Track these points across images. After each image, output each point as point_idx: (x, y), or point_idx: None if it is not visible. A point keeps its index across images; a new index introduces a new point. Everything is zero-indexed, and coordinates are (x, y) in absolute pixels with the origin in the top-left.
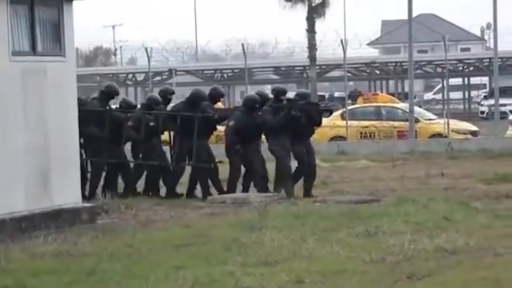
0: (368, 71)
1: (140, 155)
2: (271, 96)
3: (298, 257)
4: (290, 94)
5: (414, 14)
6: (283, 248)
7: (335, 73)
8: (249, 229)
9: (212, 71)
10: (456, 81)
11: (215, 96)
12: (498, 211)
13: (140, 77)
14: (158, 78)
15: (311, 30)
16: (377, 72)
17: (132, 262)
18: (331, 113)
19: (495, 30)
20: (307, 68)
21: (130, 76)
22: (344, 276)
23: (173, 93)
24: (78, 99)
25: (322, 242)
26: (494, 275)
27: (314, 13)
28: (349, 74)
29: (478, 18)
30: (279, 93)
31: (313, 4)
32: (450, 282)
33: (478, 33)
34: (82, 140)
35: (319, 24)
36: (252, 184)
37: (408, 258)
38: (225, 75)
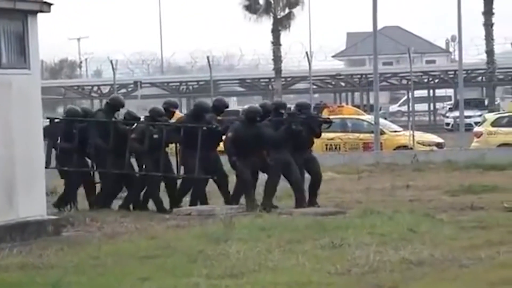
0: (333, 83)
1: (144, 167)
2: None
3: (263, 269)
4: (289, 104)
5: (379, 27)
6: (249, 260)
7: (301, 85)
8: (214, 241)
9: (178, 83)
10: (421, 93)
11: (220, 107)
12: (463, 223)
13: (106, 90)
14: (124, 90)
15: (276, 43)
16: (343, 84)
17: (98, 274)
18: (330, 125)
19: (459, 43)
20: (273, 80)
21: (95, 88)
22: None
23: (176, 106)
24: (85, 111)
25: (287, 254)
26: (459, 286)
27: (279, 25)
28: (315, 86)
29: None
30: (279, 106)
31: (278, 17)
32: None
33: (443, 45)
34: (90, 151)
35: (284, 36)
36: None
37: (374, 269)
38: (191, 87)
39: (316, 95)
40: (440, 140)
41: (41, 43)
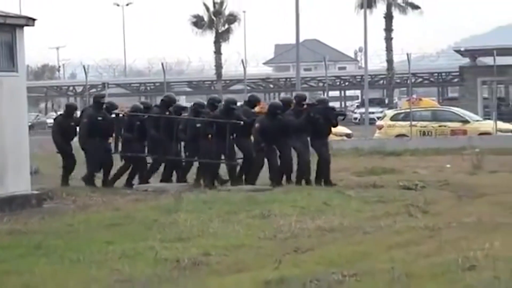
0: (264, 85)
1: (187, 153)
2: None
3: (206, 235)
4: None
5: (301, 39)
6: (194, 227)
7: (237, 87)
8: (166, 212)
9: (138, 84)
10: (334, 93)
11: (253, 101)
12: (367, 198)
13: (79, 89)
14: (94, 90)
15: (217, 52)
16: (271, 86)
17: (72, 238)
18: (345, 117)
19: (365, 53)
20: (215, 82)
21: (71, 88)
22: (243, 250)
23: (220, 101)
24: (138, 107)
25: (225, 222)
26: (363, 249)
27: (220, 38)
28: (249, 88)
29: (352, 42)
30: (300, 99)
31: (219, 31)
32: (328, 255)
33: (352, 55)
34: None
35: (224, 47)
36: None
37: (295, 235)
38: (148, 87)
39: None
40: (349, 131)
41: (27, 51)
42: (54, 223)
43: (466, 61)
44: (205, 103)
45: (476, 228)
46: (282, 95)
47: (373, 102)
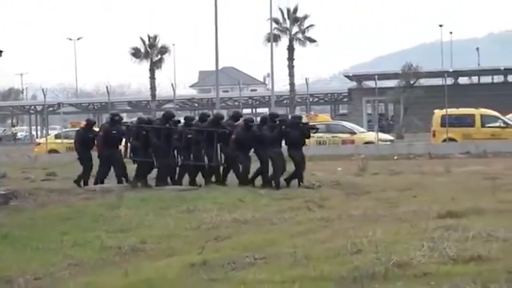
0: (190, 104)
1: (182, 158)
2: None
3: (143, 227)
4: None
5: (220, 67)
6: (133, 220)
7: (168, 105)
8: (110, 208)
9: (87, 104)
10: (247, 111)
11: (237, 116)
12: (274, 196)
13: (39, 108)
14: (51, 109)
15: (152, 77)
16: (196, 105)
17: (33, 230)
18: (317, 130)
19: (272, 78)
20: (150, 102)
21: (32, 107)
22: (173, 238)
23: (209, 116)
24: (149, 120)
25: (159, 216)
26: (270, 237)
27: (154, 66)
28: (177, 106)
29: (261, 69)
30: (273, 116)
31: (153, 60)
32: (242, 242)
33: (262, 79)
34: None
35: (157, 73)
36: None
37: (215, 226)
38: (95, 106)
39: (179, 112)
40: None
41: None
42: (18, 218)
43: (353, 84)
44: (196, 117)
45: (362, 219)
46: (270, 110)
47: None
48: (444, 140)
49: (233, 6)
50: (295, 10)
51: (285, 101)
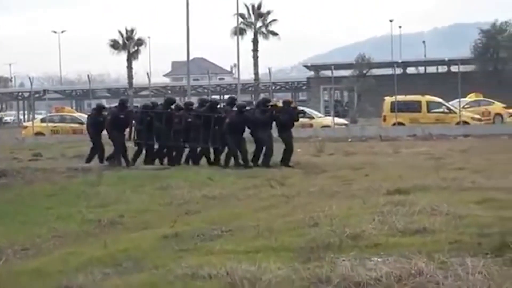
0: (164, 91)
1: (182, 140)
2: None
3: (121, 202)
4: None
5: (191, 57)
6: (111, 197)
7: (144, 93)
8: (91, 185)
9: (70, 91)
10: (216, 97)
11: (232, 102)
12: (240, 174)
13: (26, 94)
14: (37, 95)
15: (129, 67)
16: (169, 92)
17: (21, 205)
18: (304, 114)
19: (238, 67)
20: (127, 89)
21: (20, 94)
22: (148, 213)
23: (207, 101)
24: (148, 105)
25: (135, 193)
26: (236, 211)
27: (131, 56)
28: (152, 93)
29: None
30: (265, 101)
31: (131, 52)
32: (211, 216)
33: (229, 69)
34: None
35: (134, 63)
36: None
37: (186, 202)
38: (78, 93)
39: (153, 99)
40: None
41: None
42: (6, 194)
43: (312, 73)
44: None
45: (319, 196)
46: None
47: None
48: (394, 124)
49: (203, 2)
50: (259, 6)
51: (250, 89)
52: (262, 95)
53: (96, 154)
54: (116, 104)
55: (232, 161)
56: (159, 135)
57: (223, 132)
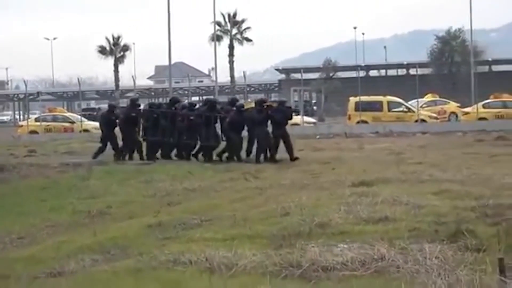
0: (147, 93)
1: (185, 137)
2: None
3: (108, 194)
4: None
5: (172, 62)
6: (100, 189)
7: (130, 94)
8: (81, 179)
9: (62, 93)
10: (195, 98)
11: (233, 102)
12: (218, 168)
13: (21, 96)
14: (31, 97)
15: (116, 70)
16: (153, 93)
17: (16, 197)
18: (298, 113)
19: (215, 71)
20: (114, 91)
21: (16, 95)
22: (133, 204)
23: (195, 105)
24: (155, 104)
25: (122, 186)
26: (214, 202)
27: (118, 61)
28: (137, 95)
29: (207, 63)
30: (261, 102)
31: (117, 56)
32: (191, 207)
33: (207, 72)
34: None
35: (120, 67)
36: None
37: (168, 193)
38: (69, 95)
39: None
40: None
41: None
42: (4, 188)
43: (282, 76)
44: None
45: (290, 188)
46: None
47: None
48: (358, 122)
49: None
50: (235, 15)
51: (226, 90)
52: (237, 96)
53: (103, 151)
54: (107, 105)
55: (213, 155)
56: (165, 132)
57: (224, 130)
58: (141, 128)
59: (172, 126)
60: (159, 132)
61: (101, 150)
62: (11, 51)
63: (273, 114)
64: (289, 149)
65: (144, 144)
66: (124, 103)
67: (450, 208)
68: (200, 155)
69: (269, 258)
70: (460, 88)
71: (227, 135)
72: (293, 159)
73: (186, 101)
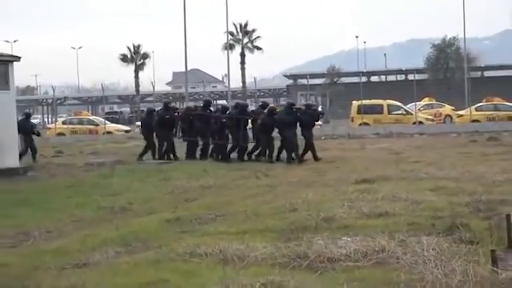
0: (165, 97)
1: (216, 138)
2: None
3: (130, 191)
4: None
5: (189, 68)
6: (122, 187)
7: (149, 99)
8: (105, 177)
9: (86, 98)
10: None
11: (264, 105)
12: (231, 167)
13: (50, 101)
14: (59, 101)
15: (136, 77)
16: (170, 98)
17: (45, 195)
18: (323, 115)
19: (228, 77)
20: (135, 96)
21: (44, 100)
22: (154, 200)
23: (228, 108)
24: (191, 107)
25: (142, 183)
26: (228, 199)
27: (138, 68)
28: (156, 99)
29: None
30: (290, 104)
31: (138, 64)
32: (206, 203)
33: (221, 78)
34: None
35: (141, 74)
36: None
37: (185, 190)
38: (93, 99)
39: (157, 103)
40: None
41: (17, 77)
42: (34, 185)
43: (290, 81)
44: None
45: (298, 185)
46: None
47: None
48: (360, 124)
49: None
50: (246, 25)
51: (238, 95)
52: (248, 101)
53: (148, 151)
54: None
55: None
56: (200, 133)
57: (255, 132)
58: (178, 130)
59: (206, 128)
60: (194, 133)
61: (146, 150)
62: (40, 59)
63: (301, 116)
64: (306, 149)
65: (183, 145)
66: (144, 107)
67: (446, 203)
68: (233, 155)
69: (278, 250)
70: (455, 92)
71: (258, 136)
72: (302, 159)
73: (220, 104)
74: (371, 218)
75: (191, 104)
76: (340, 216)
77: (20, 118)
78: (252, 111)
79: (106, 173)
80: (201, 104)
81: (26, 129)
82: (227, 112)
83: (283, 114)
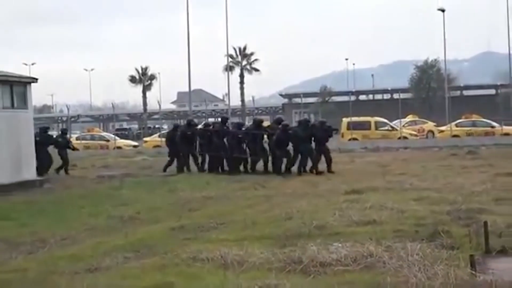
0: (171, 115)
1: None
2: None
3: (139, 201)
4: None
5: (192, 88)
6: (131, 197)
7: (155, 116)
8: (115, 188)
9: (98, 115)
10: (211, 120)
11: (278, 121)
12: (231, 179)
13: (64, 119)
14: (73, 119)
15: (144, 96)
16: (175, 116)
17: (60, 205)
18: (337, 131)
19: (229, 96)
20: (143, 114)
21: (59, 118)
22: (160, 210)
23: (243, 124)
24: (209, 124)
25: (149, 194)
26: (228, 208)
27: (146, 88)
28: (162, 117)
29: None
30: (305, 121)
31: (145, 84)
32: (209, 212)
33: (221, 97)
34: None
35: (148, 93)
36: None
37: (188, 201)
38: (104, 117)
39: (163, 120)
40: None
41: (34, 97)
42: (50, 196)
43: (286, 100)
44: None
45: (293, 196)
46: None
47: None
48: (350, 139)
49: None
50: (245, 48)
51: (238, 113)
52: (247, 118)
53: (171, 164)
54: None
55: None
56: (218, 148)
57: (271, 146)
58: (197, 145)
59: (223, 143)
60: (213, 148)
61: (170, 163)
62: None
63: (316, 132)
64: (329, 162)
65: (200, 158)
66: (151, 124)
67: (429, 212)
68: (248, 167)
69: (274, 255)
70: (436, 110)
71: (274, 151)
72: (330, 171)
73: (237, 121)
74: (360, 225)
75: (210, 120)
76: (332, 224)
77: (57, 134)
78: (268, 126)
79: (116, 185)
80: (219, 120)
81: (62, 144)
82: (243, 128)
83: (299, 130)
